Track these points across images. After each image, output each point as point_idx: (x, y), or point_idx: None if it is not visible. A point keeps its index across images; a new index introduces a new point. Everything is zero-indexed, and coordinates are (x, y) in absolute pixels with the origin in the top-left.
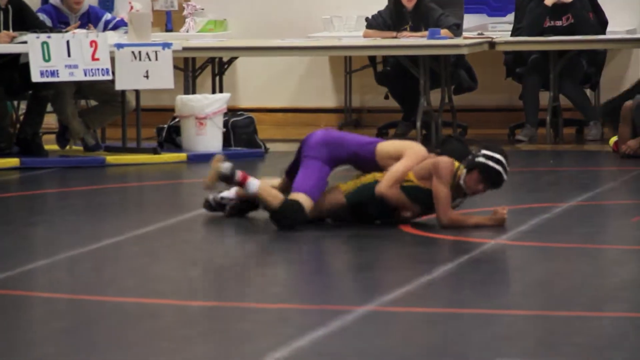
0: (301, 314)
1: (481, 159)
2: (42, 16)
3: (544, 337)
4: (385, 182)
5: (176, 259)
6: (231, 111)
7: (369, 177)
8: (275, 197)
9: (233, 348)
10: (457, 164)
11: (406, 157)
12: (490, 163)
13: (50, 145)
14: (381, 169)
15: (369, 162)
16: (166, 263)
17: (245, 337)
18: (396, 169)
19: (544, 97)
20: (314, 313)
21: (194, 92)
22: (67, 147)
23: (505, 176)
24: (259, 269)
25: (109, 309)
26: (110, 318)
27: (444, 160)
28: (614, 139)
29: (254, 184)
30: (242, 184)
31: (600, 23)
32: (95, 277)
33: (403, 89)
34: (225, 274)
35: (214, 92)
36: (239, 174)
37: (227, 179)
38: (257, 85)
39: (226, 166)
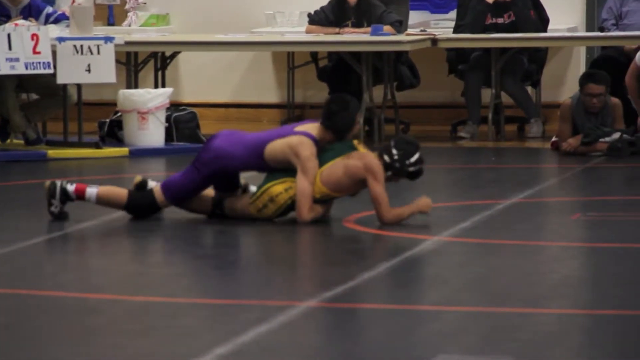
0: (244, 310)
1: (411, 169)
2: None
3: (485, 333)
4: (304, 210)
5: (117, 253)
6: (174, 106)
7: (276, 193)
8: (120, 195)
9: (177, 343)
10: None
11: (300, 170)
12: (417, 168)
13: None
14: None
15: (261, 165)
16: (107, 258)
17: (188, 333)
18: (302, 191)
19: (486, 94)
20: (257, 308)
21: (136, 87)
22: (8, 141)
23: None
24: (200, 264)
25: (49, 304)
26: (51, 313)
27: (373, 162)
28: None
29: (93, 192)
30: (81, 197)
31: (542, 21)
32: (35, 272)
33: (345, 85)
34: (167, 269)
35: (156, 86)
36: (72, 188)
37: (56, 195)
38: (199, 80)
39: (49, 184)
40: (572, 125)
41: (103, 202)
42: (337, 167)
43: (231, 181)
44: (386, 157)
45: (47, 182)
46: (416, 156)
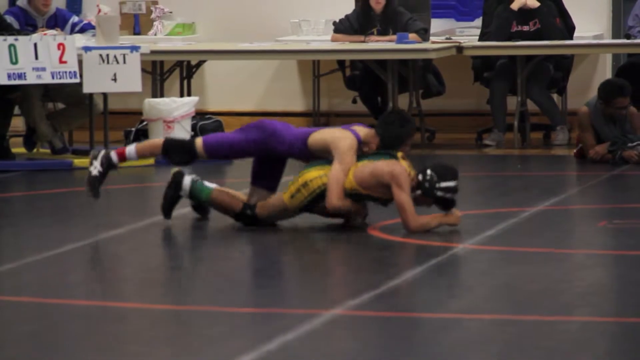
0: (269, 318)
1: (439, 193)
2: (10, 18)
3: (511, 341)
4: (334, 196)
5: (143, 262)
6: (199, 114)
7: (312, 178)
8: (155, 144)
9: (201, 351)
10: (407, 168)
11: (337, 159)
12: (448, 196)
13: (17, 148)
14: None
15: (304, 153)
16: (133, 266)
17: (213, 341)
18: (334, 177)
19: (512, 102)
20: (283, 317)
21: (162, 96)
22: (35, 150)
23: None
24: (225, 273)
25: (75, 313)
26: (77, 321)
27: (399, 171)
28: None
29: (132, 149)
30: (123, 158)
31: (567, 28)
32: (62, 281)
33: (373, 93)
34: (192, 278)
35: (182, 95)
36: (114, 157)
37: (98, 157)
38: (225, 88)
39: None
40: (593, 133)
41: (143, 153)
42: (367, 166)
43: (273, 167)
44: (420, 176)
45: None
46: (450, 183)
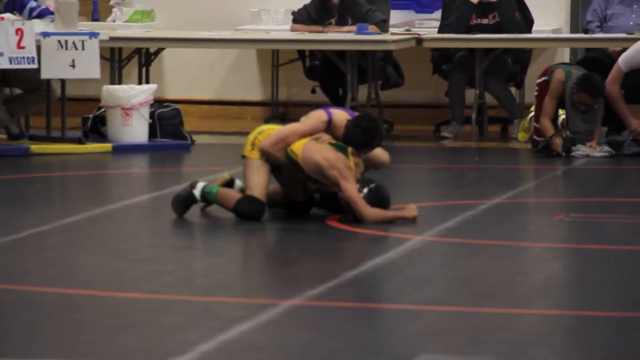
0: (228, 307)
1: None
2: None
3: (468, 333)
4: (365, 212)
5: (100, 249)
6: (157, 102)
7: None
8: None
9: (159, 340)
10: (352, 165)
11: (301, 122)
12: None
13: None
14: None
15: None
16: (90, 254)
17: (171, 330)
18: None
19: (470, 95)
20: (241, 306)
21: (120, 83)
22: None
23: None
24: (184, 261)
25: (32, 300)
26: (34, 309)
27: (340, 164)
28: (523, 134)
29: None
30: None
31: (526, 22)
32: (18, 267)
33: (333, 83)
34: (150, 266)
35: (140, 82)
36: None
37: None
38: (183, 76)
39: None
40: (558, 102)
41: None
42: (314, 151)
43: None
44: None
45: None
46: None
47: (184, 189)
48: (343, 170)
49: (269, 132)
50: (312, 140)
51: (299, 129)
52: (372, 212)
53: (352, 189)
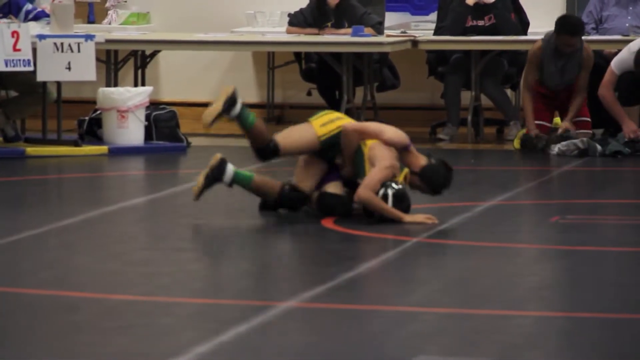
0: (224, 309)
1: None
2: None
3: (464, 335)
4: (354, 125)
5: (96, 252)
6: (153, 104)
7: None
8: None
9: (155, 342)
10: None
11: (390, 128)
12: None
13: None
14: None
15: None
16: (86, 256)
17: (167, 332)
18: (373, 177)
19: (466, 97)
20: (237, 308)
21: (116, 85)
22: None
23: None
24: (180, 263)
25: (27, 302)
26: (29, 311)
27: (394, 165)
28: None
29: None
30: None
31: (522, 24)
32: (14, 269)
33: (330, 86)
34: (147, 268)
35: (136, 85)
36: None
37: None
38: (179, 79)
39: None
40: (538, 70)
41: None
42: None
43: None
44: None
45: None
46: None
47: (215, 167)
48: (391, 169)
49: (346, 120)
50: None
51: (384, 135)
52: (369, 195)
53: (382, 174)
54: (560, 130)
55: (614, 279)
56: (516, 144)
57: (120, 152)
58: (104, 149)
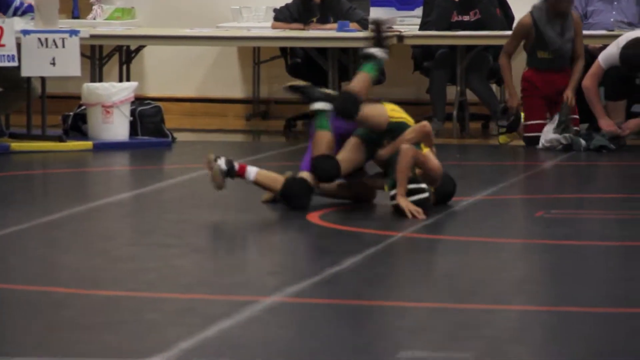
0: (209, 304)
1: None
2: None
3: (449, 329)
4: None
5: (81, 247)
6: (138, 100)
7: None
8: (276, 180)
9: (140, 338)
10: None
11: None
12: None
13: None
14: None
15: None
16: (71, 252)
17: (152, 327)
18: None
19: (451, 92)
20: (221, 303)
21: (100, 80)
22: None
23: None
24: (165, 259)
25: (12, 298)
26: (14, 307)
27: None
28: (504, 137)
29: (252, 172)
30: (241, 175)
31: (507, 19)
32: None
33: (315, 80)
34: (132, 264)
35: (121, 80)
36: (236, 166)
37: (229, 174)
38: (164, 74)
39: (221, 162)
40: (533, 40)
41: (260, 182)
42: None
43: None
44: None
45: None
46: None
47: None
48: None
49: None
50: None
51: (428, 164)
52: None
53: (413, 154)
54: (564, 98)
55: (599, 273)
56: (501, 139)
57: (105, 148)
58: (88, 144)
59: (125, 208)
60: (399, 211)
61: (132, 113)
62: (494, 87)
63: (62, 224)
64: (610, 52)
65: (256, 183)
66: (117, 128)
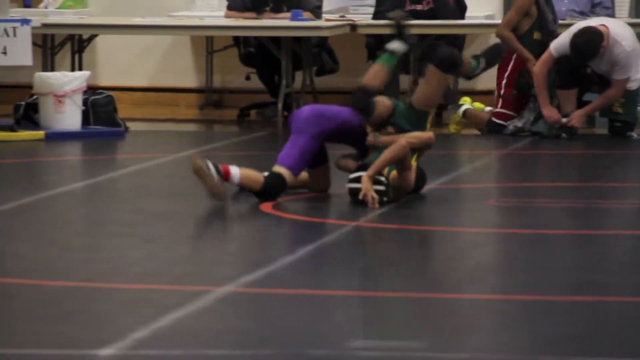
0: (162, 294)
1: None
2: None
3: (402, 318)
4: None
5: (34, 238)
6: (91, 89)
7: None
8: (256, 181)
9: (93, 329)
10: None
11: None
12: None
13: None
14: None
15: (356, 131)
16: (23, 242)
17: (104, 318)
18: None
19: (404, 81)
20: (175, 293)
21: (52, 70)
22: None
23: None
24: (118, 249)
25: None
26: None
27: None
28: (454, 126)
29: (236, 175)
30: (227, 179)
31: (460, 8)
32: None
33: (270, 70)
34: (85, 254)
35: (73, 69)
36: (222, 169)
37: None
38: (117, 63)
39: (212, 168)
40: (534, 18)
41: (244, 184)
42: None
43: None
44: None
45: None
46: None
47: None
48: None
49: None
50: None
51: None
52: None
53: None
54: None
55: (548, 262)
56: (452, 128)
57: (57, 137)
58: (40, 134)
59: (77, 198)
60: (353, 195)
61: (85, 102)
62: None
63: (13, 214)
64: (562, 41)
65: (241, 186)
66: (70, 118)
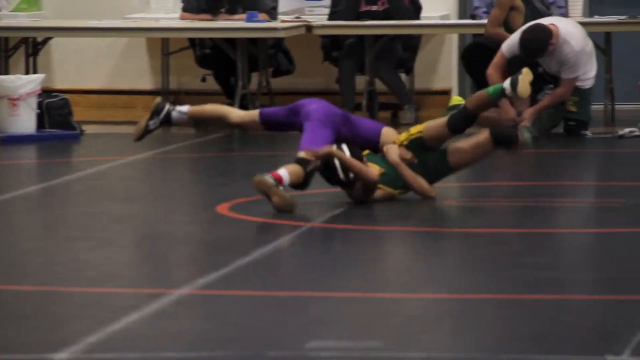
0: (117, 297)
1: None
2: None
3: (359, 319)
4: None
5: None
6: (45, 92)
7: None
8: (300, 175)
9: (47, 332)
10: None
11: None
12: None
13: None
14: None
15: (370, 142)
16: None
17: (58, 322)
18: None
19: (360, 81)
20: (130, 296)
21: (6, 73)
22: None
23: None
24: (74, 252)
25: None
26: None
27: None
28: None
29: (285, 177)
30: (281, 183)
31: (415, 8)
32: None
33: (225, 72)
34: (40, 257)
35: (27, 72)
36: (177, 114)
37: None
38: (72, 66)
39: (270, 178)
40: (524, 13)
41: (291, 180)
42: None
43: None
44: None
45: (157, 99)
46: None
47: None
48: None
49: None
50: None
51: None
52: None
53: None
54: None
55: (507, 260)
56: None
57: (12, 141)
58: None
59: (32, 201)
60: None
61: (39, 105)
62: (402, 76)
63: None
64: (513, 41)
65: (290, 185)
66: (24, 121)
